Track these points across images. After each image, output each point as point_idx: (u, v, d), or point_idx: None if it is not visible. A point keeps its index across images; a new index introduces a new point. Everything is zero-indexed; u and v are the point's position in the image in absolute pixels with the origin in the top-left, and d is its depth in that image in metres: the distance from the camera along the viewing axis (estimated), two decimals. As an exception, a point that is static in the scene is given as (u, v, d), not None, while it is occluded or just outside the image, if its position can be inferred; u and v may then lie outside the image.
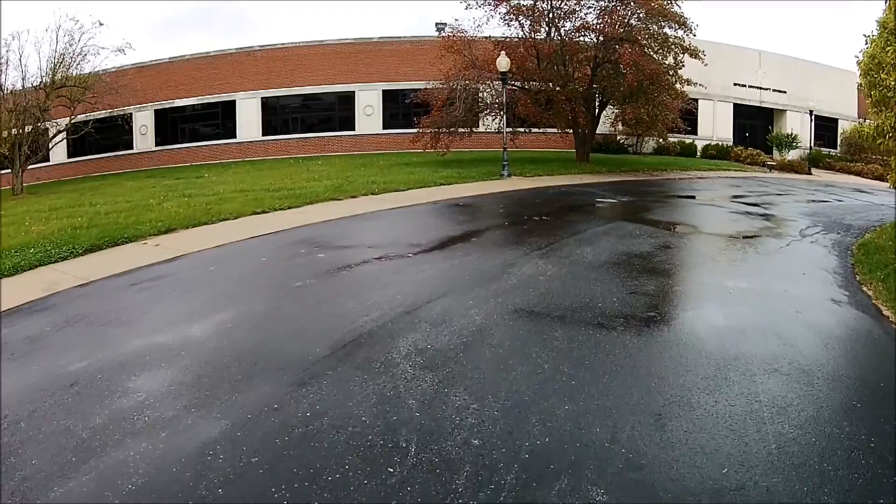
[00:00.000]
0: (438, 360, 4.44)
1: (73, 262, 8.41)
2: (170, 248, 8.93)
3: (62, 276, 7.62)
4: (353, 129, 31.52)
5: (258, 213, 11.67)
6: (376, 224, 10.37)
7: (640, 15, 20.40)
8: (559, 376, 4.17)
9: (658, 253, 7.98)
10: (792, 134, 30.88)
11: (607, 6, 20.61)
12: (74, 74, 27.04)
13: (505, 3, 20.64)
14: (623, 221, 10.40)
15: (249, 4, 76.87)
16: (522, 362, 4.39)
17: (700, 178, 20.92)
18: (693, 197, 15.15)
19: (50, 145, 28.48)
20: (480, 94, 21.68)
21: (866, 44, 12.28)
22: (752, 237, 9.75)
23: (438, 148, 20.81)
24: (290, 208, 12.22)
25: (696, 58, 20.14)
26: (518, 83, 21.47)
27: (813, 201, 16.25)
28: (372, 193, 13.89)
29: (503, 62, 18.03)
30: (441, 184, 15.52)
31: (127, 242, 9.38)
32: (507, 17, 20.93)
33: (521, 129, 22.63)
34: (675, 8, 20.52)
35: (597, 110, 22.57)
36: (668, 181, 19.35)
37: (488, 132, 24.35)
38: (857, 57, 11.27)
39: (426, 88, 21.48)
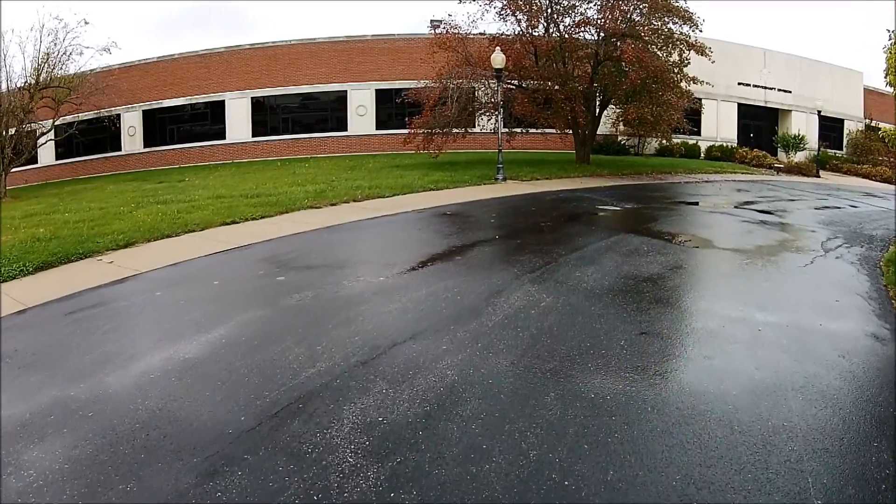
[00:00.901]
0: (389, 444, 3.39)
1: (20, 281, 7.56)
2: (123, 266, 8.01)
3: (4, 298, 6.69)
4: (346, 130, 30.48)
5: (227, 224, 10.69)
6: (351, 237, 9.31)
7: (643, 10, 19.30)
8: (548, 471, 3.12)
9: (669, 275, 6.94)
10: (799, 135, 29.83)
11: (608, 1, 19.55)
12: (59, 75, 26.23)
13: (500, -3, 19.58)
14: (628, 234, 9.34)
15: (249, 4, 75.85)
16: (501, 447, 3.33)
17: (706, 181, 19.85)
18: (701, 203, 14.08)
19: (36, 147, 27.68)
20: (476, 93, 20.62)
21: (890, 38, 11.28)
22: (771, 253, 8.70)
23: (431, 149, 19.74)
24: (262, 218, 11.21)
25: (702, 55, 19.07)
26: (515, 82, 20.41)
27: (827, 207, 15.21)
28: (354, 200, 12.85)
29: (498, 58, 16.96)
30: (430, 189, 14.47)
31: (82, 258, 8.49)
32: (503, 13, 19.88)
33: (519, 130, 21.57)
34: (680, 2, 19.44)
35: (597, 110, 21.50)
36: (673, 185, 18.30)
37: (484, 132, 23.28)
38: (885, 52, 10.27)
39: (417, 87, 20.39)
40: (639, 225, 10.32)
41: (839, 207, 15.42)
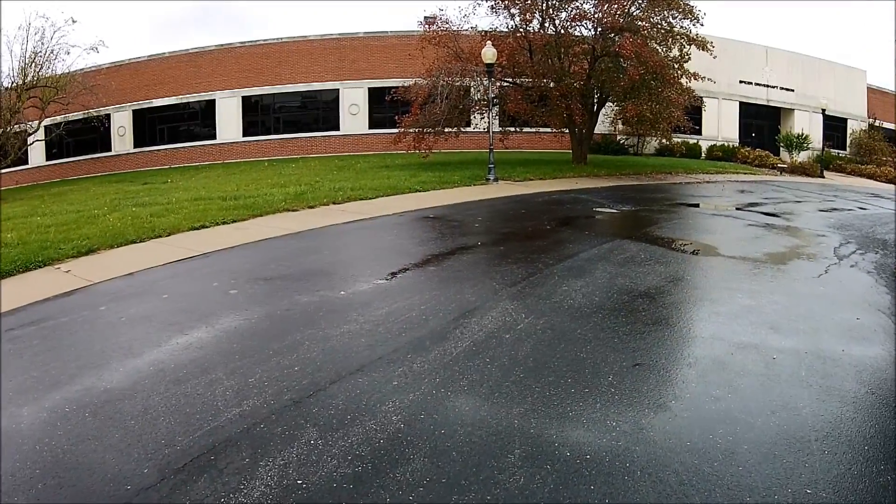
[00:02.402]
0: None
1: (-31, 293, 6.82)
2: (78, 276, 7.40)
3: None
4: (338, 129, 29.72)
5: (195, 229, 9.97)
6: (319, 245, 8.51)
7: (642, 3, 18.50)
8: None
9: (669, 290, 6.14)
10: (803, 134, 29.00)
11: (606, -7, 18.73)
12: (46, 74, 25.67)
13: (492, -10, 18.76)
14: (624, 240, 8.53)
15: (250, 4, 75.13)
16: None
17: (707, 181, 19.05)
18: (703, 205, 13.27)
19: (23, 148, 27.13)
20: (469, 90, 19.80)
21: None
22: (781, 261, 7.91)
23: (421, 148, 18.93)
24: (234, 222, 10.47)
25: (703, 49, 18.23)
26: (509, 79, 19.62)
27: (835, 209, 14.41)
28: (334, 203, 12.06)
29: (489, 52, 16.16)
30: (417, 190, 13.67)
31: (40, 266, 7.86)
32: (495, 6, 19.07)
33: (513, 129, 20.75)
34: (681, -4, 18.62)
35: (595, 107, 20.69)
36: (674, 186, 17.49)
37: (478, 131, 22.38)
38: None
39: (405, 85, 19.56)
40: (636, 230, 9.52)
41: (848, 209, 14.62)
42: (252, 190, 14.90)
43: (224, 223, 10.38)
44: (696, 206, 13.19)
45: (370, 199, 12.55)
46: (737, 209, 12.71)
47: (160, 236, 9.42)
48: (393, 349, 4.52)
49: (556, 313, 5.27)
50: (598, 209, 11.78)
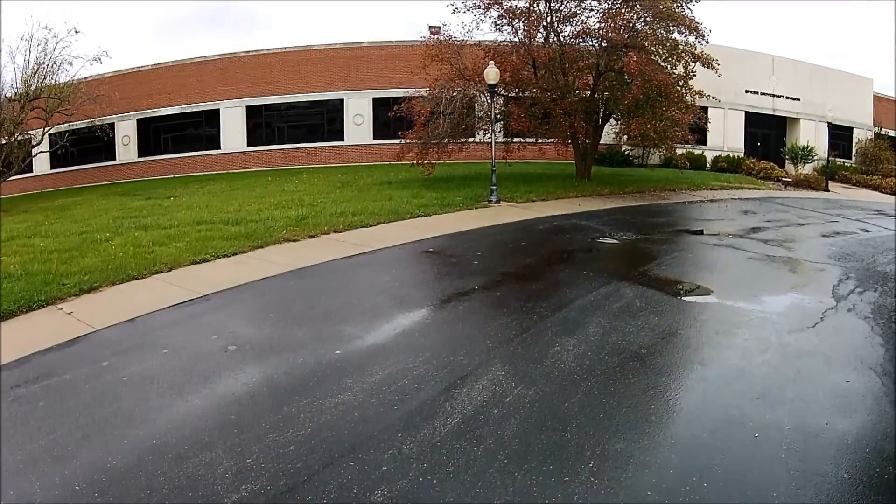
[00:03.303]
0: None
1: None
2: (81, 320, 7.49)
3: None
4: (343, 140, 29.83)
5: (197, 263, 10.10)
6: (316, 287, 8.59)
7: (647, 18, 18.46)
8: None
9: (661, 348, 6.18)
10: (808, 146, 28.89)
11: (611, 9, 18.72)
12: (49, 84, 25.88)
13: (496, 7, 18.77)
14: (622, 282, 8.57)
15: (257, 4, 75.35)
16: None
17: (711, 199, 19.03)
18: (705, 231, 13.26)
19: (26, 159, 27.40)
20: (473, 105, 19.82)
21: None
22: (778, 308, 7.93)
23: (428, 159, 18.94)
24: (234, 255, 10.59)
25: (708, 67, 18.21)
26: (513, 93, 19.63)
27: (837, 233, 14.37)
28: (335, 231, 12.15)
29: (491, 73, 16.20)
30: (418, 215, 13.73)
31: (43, 305, 7.98)
32: (499, 22, 19.08)
33: (517, 140, 20.72)
34: (686, 11, 18.59)
35: (600, 122, 20.68)
36: (677, 206, 17.49)
37: (484, 142, 22.43)
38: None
39: (407, 100, 19.56)
40: (634, 267, 9.55)
41: (850, 233, 14.57)
42: (254, 211, 15.03)
43: (225, 256, 10.49)
44: (698, 233, 13.19)
45: (371, 226, 12.62)
46: (739, 237, 12.70)
47: (161, 271, 9.52)
48: (384, 426, 4.60)
49: (546, 381, 5.33)
50: (598, 239, 11.81)
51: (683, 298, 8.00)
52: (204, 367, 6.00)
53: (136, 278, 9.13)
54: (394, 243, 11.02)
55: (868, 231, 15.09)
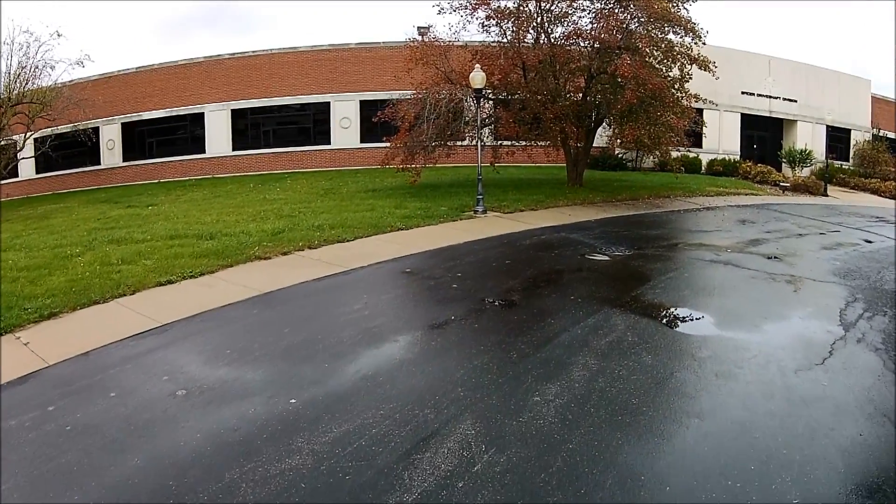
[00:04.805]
0: None
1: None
2: (35, 352, 6.96)
3: None
4: (329, 143, 29.16)
5: (162, 285, 9.49)
6: (279, 318, 7.82)
7: (641, 19, 17.77)
8: None
9: (653, 397, 5.47)
10: (806, 150, 28.32)
11: (603, 9, 18.05)
12: (32, 89, 25.39)
13: (484, 7, 18.06)
14: (613, 309, 7.88)
15: (255, 4, 74.48)
16: None
17: (707, 207, 18.39)
18: (703, 245, 12.57)
19: (9, 164, 26.81)
20: (462, 109, 19.08)
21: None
22: (783, 340, 7.28)
23: (414, 164, 18.24)
24: (201, 275, 9.94)
25: (705, 70, 17.54)
26: (502, 95, 18.95)
27: (839, 245, 13.77)
28: (310, 247, 11.46)
29: (477, 77, 15.51)
30: (399, 228, 13.04)
31: (2, 334, 7.43)
32: (486, 23, 18.37)
33: (508, 143, 19.98)
34: (682, 12, 17.92)
35: (592, 126, 20.02)
36: (672, 215, 16.83)
37: (472, 146, 21.68)
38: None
39: (391, 104, 18.83)
40: (626, 291, 8.86)
41: (852, 244, 13.96)
42: (231, 223, 14.39)
43: (192, 276, 9.86)
44: (695, 246, 12.49)
45: (348, 241, 11.94)
46: (737, 251, 12.06)
47: (125, 294, 8.95)
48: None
49: (522, 443, 4.65)
50: (589, 255, 11.14)
51: (679, 330, 7.33)
52: (149, 417, 5.36)
53: (99, 302, 8.61)
54: (370, 262, 10.33)
55: (870, 242, 14.49)
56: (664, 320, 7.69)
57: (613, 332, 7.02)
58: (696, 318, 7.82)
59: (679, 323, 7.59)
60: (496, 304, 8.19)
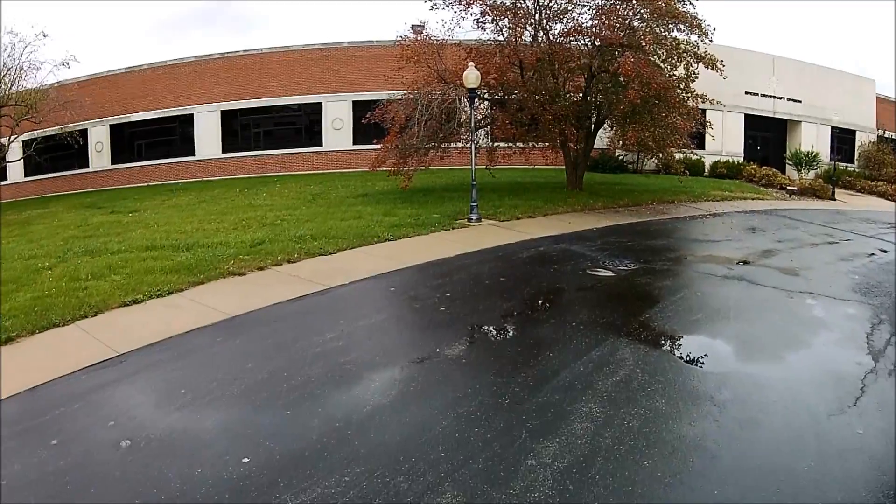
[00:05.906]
0: None
1: None
2: None
3: None
4: (321, 145, 28.33)
5: (127, 305, 8.71)
6: (245, 349, 6.94)
7: (645, 15, 16.89)
8: None
9: (670, 458, 4.66)
10: (812, 152, 27.48)
11: (605, 5, 17.19)
12: (17, 91, 24.70)
13: (479, 2, 17.19)
14: (619, 339, 7.04)
15: (253, 4, 73.56)
16: None
17: (714, 213, 17.55)
18: (712, 259, 11.70)
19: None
20: (456, 108, 18.19)
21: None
22: (807, 376, 6.47)
23: (407, 166, 17.38)
24: (169, 294, 9.13)
25: (713, 68, 16.65)
26: (498, 95, 18.09)
27: (855, 255, 12.98)
28: (289, 261, 10.61)
29: (471, 76, 14.66)
30: (387, 238, 12.17)
31: None
32: (482, 19, 17.50)
33: (503, 145, 19.09)
34: (688, 7, 17.05)
35: (592, 127, 19.17)
36: (678, 223, 15.97)
37: (468, 147, 20.79)
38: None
39: (382, 105, 17.94)
40: (635, 315, 8.00)
41: (868, 254, 13.16)
42: (211, 232, 13.62)
43: (159, 295, 9.05)
44: (705, 259, 11.65)
45: (331, 253, 11.10)
46: (750, 263, 11.25)
47: (87, 316, 8.21)
48: None
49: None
50: (591, 270, 10.29)
51: (695, 367, 6.48)
52: (85, 476, 4.60)
53: (59, 325, 7.87)
54: (352, 279, 9.48)
55: (886, 251, 13.71)
56: (677, 352, 6.86)
57: (621, 368, 6.18)
58: (713, 349, 7.00)
59: (694, 356, 6.75)
60: (488, 332, 7.35)
